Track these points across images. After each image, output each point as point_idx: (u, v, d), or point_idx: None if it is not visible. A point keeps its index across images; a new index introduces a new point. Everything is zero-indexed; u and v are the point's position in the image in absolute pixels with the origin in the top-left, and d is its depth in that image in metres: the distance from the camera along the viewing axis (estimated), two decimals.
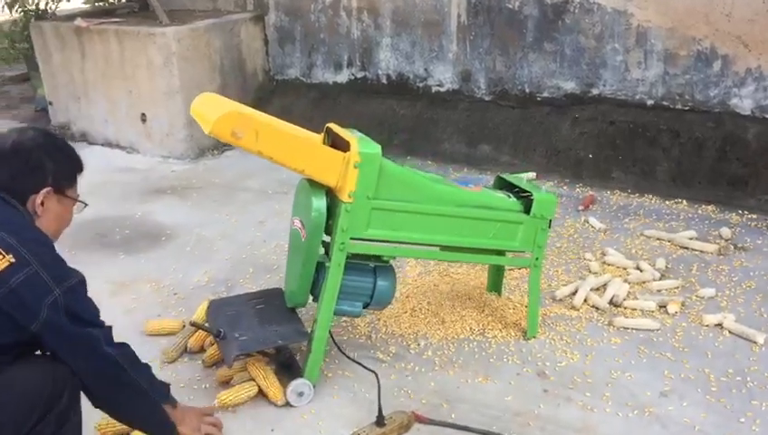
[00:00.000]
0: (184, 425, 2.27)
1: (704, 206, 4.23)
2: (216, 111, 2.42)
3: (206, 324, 2.79)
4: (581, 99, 4.70)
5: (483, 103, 5.09)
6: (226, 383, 2.76)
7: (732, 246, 3.75)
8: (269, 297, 2.94)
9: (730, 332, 3.03)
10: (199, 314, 3.10)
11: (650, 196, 4.38)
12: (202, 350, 2.97)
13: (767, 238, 3.85)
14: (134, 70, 5.54)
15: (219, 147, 5.77)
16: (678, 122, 4.36)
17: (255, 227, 4.30)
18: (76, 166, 2.10)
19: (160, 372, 2.86)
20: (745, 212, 4.12)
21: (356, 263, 2.75)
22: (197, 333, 2.96)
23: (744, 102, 4.20)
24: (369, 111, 5.54)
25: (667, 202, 4.31)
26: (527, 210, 2.88)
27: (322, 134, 2.78)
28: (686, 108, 4.37)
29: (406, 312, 3.23)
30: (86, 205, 2.14)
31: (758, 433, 2.45)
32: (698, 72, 4.27)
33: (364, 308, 2.82)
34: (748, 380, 2.73)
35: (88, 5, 7.21)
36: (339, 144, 2.64)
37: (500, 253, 3.07)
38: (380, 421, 2.49)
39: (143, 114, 5.65)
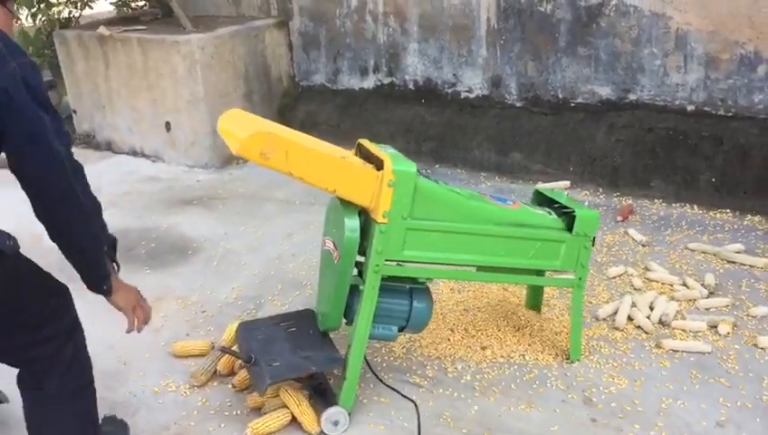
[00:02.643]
0: (119, 295, 2.16)
1: (749, 216, 4.05)
2: (245, 130, 2.32)
3: (236, 349, 2.69)
4: (617, 105, 4.53)
5: (514, 110, 4.94)
6: (258, 410, 2.66)
7: None
8: (300, 320, 2.82)
9: None
10: (228, 334, 3.00)
11: (692, 206, 4.21)
12: (232, 373, 2.86)
13: None
14: (158, 78, 5.46)
15: None
16: (721, 129, 4.18)
17: (283, 240, 4.19)
18: None
19: (190, 397, 2.77)
20: None
21: (391, 284, 2.63)
22: (227, 356, 2.85)
23: None
24: (397, 118, 5.41)
25: (711, 213, 4.13)
26: (569, 228, 2.74)
27: (353, 150, 2.67)
28: (729, 114, 4.18)
29: (441, 333, 3.10)
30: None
31: None
32: (742, 76, 4.09)
33: (399, 331, 2.71)
34: None
35: (113, 11, 7.16)
36: (371, 160, 2.52)
37: (540, 272, 2.94)
38: None
39: (167, 123, 5.57)
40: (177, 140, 5.58)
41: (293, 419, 2.57)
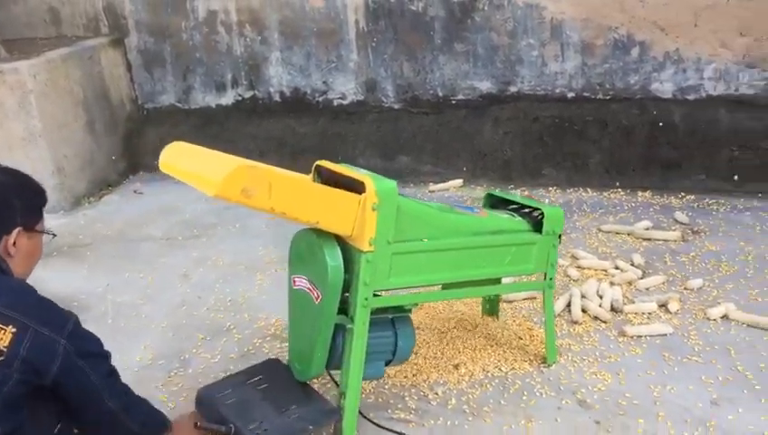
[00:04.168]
0: None
1: (640, 193, 4.23)
2: (216, 167, 1.95)
3: (209, 424, 2.27)
4: (499, 98, 4.55)
5: (393, 112, 4.80)
6: None
7: (689, 231, 3.75)
8: (269, 373, 2.46)
9: (738, 322, 2.97)
10: None
11: (586, 189, 4.32)
12: None
13: (716, 218, 3.90)
14: None
15: (95, 192, 5.04)
16: (603, 112, 4.33)
17: (180, 282, 3.72)
18: (42, 199, 2.09)
19: None
20: (682, 194, 4.17)
21: (372, 317, 2.36)
22: None
23: (664, 86, 4.24)
24: (265, 133, 5.07)
25: (605, 194, 4.27)
26: (536, 228, 2.64)
27: (311, 175, 2.37)
28: (608, 97, 4.34)
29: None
30: (54, 235, 2.16)
31: None
32: (617, 60, 4.26)
33: (386, 366, 2.46)
34: None
35: None
36: (335, 184, 2.24)
37: (497, 280, 2.82)
38: None
39: None
40: None
41: None
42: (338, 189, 2.14)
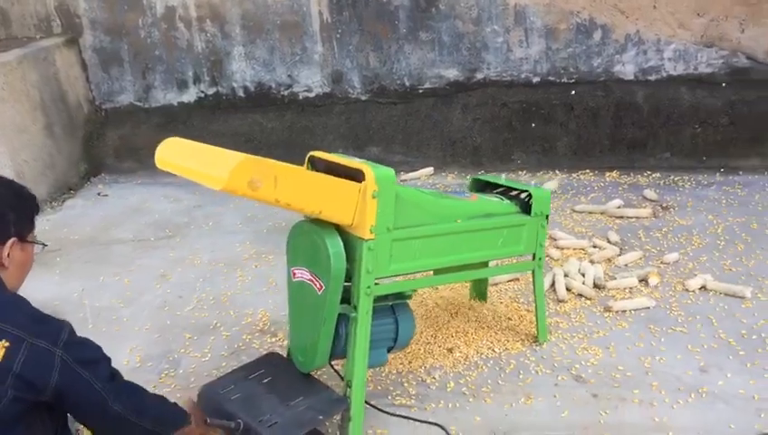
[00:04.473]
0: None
1: (608, 173, 4.33)
2: (219, 161, 1.93)
3: (219, 421, 2.25)
4: (466, 85, 4.59)
5: (360, 104, 4.80)
6: None
7: (659, 207, 3.86)
8: (270, 367, 2.45)
9: (716, 292, 3.08)
10: None
11: (555, 171, 4.40)
12: None
13: (683, 194, 4.03)
14: None
15: (57, 197, 4.91)
16: (569, 96, 4.41)
17: (158, 283, 3.66)
18: (34, 209, 2.04)
19: None
20: (648, 172, 4.29)
21: (373, 305, 2.37)
22: None
23: (626, 68, 4.35)
24: (231, 130, 5.01)
25: (574, 175, 4.36)
26: (524, 210, 2.69)
27: (305, 165, 2.37)
28: (573, 80, 4.43)
29: None
30: (45, 245, 2.13)
31: None
32: (580, 44, 4.34)
33: (388, 352, 2.47)
34: (764, 337, 2.77)
35: None
36: (331, 174, 2.24)
37: (486, 263, 2.86)
38: None
39: None
40: None
41: None
42: (339, 178, 2.14)
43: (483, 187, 2.89)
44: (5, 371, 1.72)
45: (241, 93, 5.01)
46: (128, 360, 3.02)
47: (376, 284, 2.26)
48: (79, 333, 1.90)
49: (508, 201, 2.71)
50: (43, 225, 4.58)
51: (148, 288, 3.63)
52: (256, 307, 3.32)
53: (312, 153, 2.36)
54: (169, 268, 3.81)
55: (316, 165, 2.35)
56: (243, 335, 3.11)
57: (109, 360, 2.00)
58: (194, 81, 5.07)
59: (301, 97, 4.90)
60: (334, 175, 2.22)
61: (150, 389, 2.72)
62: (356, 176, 2.17)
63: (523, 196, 2.73)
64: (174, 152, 2.12)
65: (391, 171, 2.21)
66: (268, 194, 1.96)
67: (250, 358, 2.69)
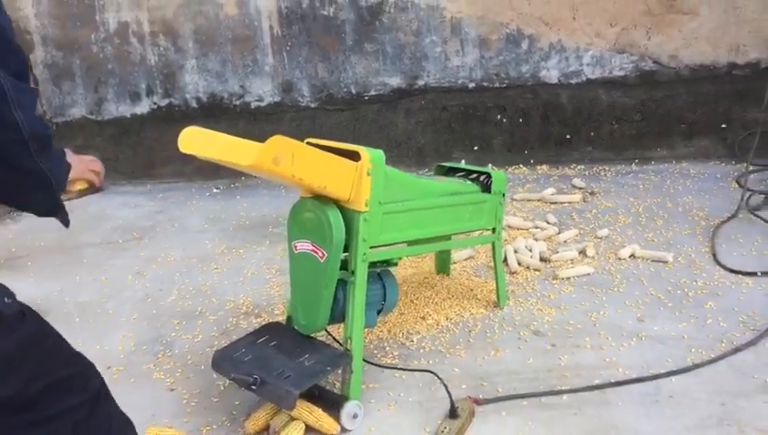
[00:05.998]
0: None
1: (539, 167, 4.82)
2: (243, 142, 2.25)
3: (240, 375, 2.53)
4: (409, 91, 5.01)
5: (309, 111, 5.14)
6: (260, 433, 2.55)
7: (587, 193, 4.37)
8: (274, 333, 2.74)
9: (644, 258, 3.58)
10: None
11: (492, 168, 4.84)
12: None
13: (606, 182, 4.56)
14: None
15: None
16: (502, 99, 4.89)
17: (136, 280, 3.87)
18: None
19: None
20: (574, 164, 4.81)
21: None
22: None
23: (551, 73, 4.87)
24: None
25: (510, 169, 4.83)
26: (485, 189, 3.10)
27: None
28: (505, 85, 4.91)
29: None
30: None
31: (727, 327, 2.97)
32: (510, 52, 4.84)
33: (378, 315, 2.81)
34: (686, 291, 3.27)
35: None
36: None
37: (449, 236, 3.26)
38: (454, 413, 2.52)
39: None
40: None
41: (307, 428, 2.54)
42: (341, 157, 2.48)
43: (446, 172, 3.28)
44: None
45: (194, 104, 5.25)
46: (123, 345, 3.22)
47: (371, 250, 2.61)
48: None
49: (470, 182, 3.12)
50: (6, 234, 4.69)
51: (127, 285, 3.82)
52: (237, 295, 3.58)
53: (308, 139, 2.69)
54: (144, 266, 4.02)
55: None
56: (229, 318, 3.37)
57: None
58: (147, 93, 5.28)
59: (253, 106, 5.20)
60: None
61: (150, 368, 2.97)
62: (352, 157, 2.51)
63: (482, 178, 3.13)
64: (196, 138, 2.41)
65: (382, 153, 2.57)
66: (286, 169, 2.28)
67: (241, 336, 2.95)
